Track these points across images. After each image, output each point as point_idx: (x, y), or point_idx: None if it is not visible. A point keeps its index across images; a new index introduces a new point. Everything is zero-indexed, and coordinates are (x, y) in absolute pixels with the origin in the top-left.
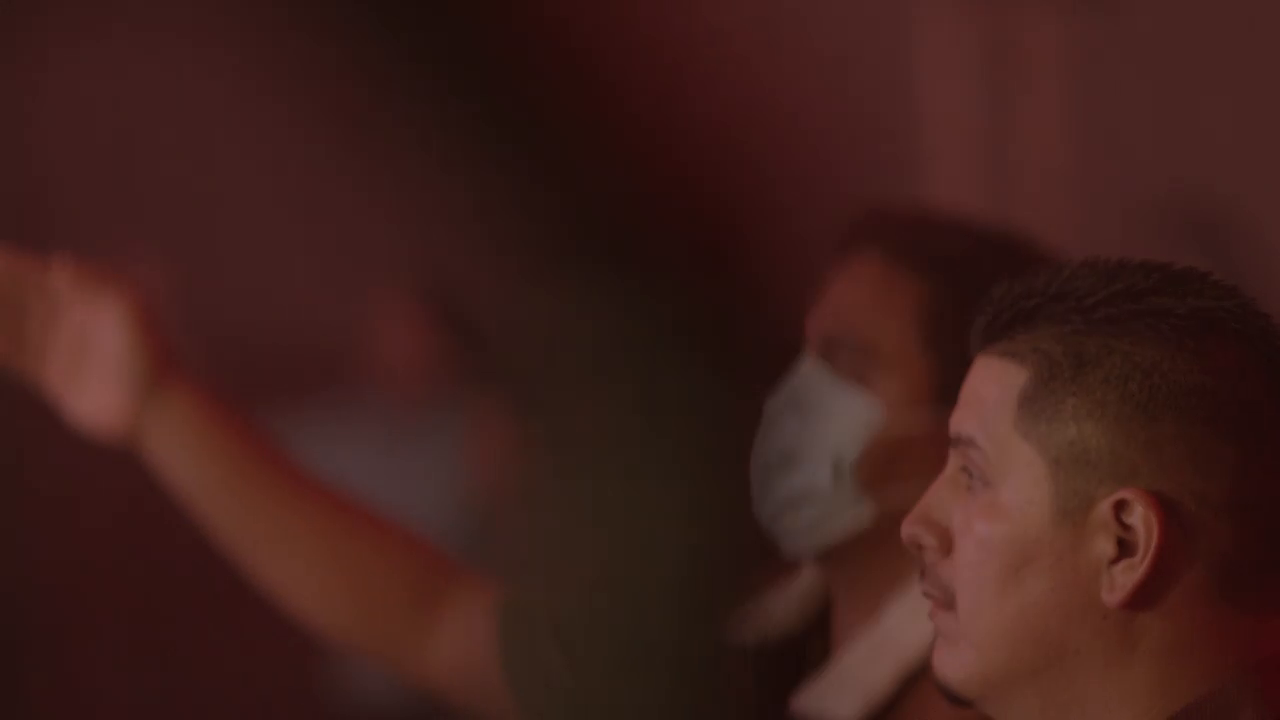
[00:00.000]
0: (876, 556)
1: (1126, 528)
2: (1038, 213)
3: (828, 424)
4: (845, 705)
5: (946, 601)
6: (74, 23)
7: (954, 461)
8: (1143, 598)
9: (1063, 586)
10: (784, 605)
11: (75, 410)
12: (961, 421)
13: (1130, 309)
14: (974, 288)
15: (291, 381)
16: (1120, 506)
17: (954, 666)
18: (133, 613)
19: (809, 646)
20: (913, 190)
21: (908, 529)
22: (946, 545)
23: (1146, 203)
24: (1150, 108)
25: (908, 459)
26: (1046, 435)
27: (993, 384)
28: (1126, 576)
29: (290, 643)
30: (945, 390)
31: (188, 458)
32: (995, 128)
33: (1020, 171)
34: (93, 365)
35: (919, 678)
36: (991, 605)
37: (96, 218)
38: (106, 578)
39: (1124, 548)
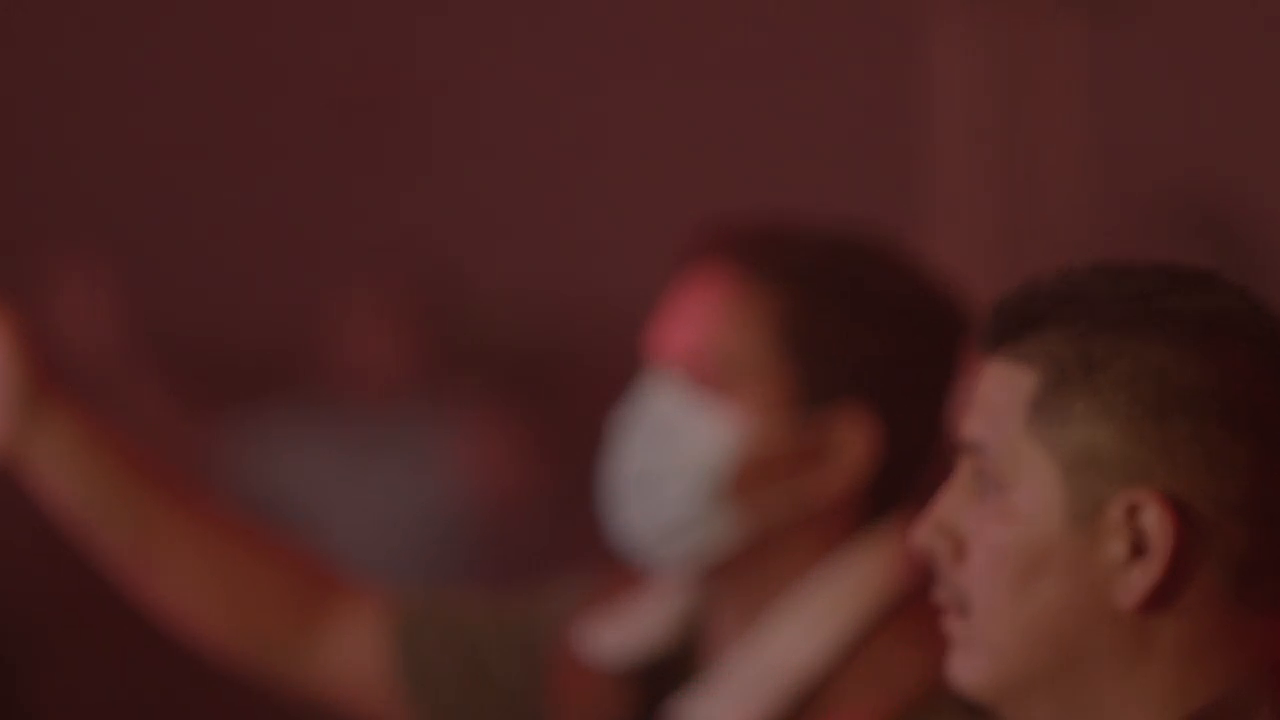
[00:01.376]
0: (752, 568)
1: (1140, 530)
2: (1055, 217)
3: (688, 441)
4: (726, 718)
5: (960, 607)
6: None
7: (964, 467)
8: (1157, 600)
9: (1077, 590)
10: (655, 618)
11: None
12: (971, 426)
13: (1139, 310)
14: (830, 295)
15: (265, 383)
16: (1133, 509)
17: (969, 672)
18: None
19: (684, 661)
20: (927, 196)
21: (919, 536)
22: (959, 551)
23: (1163, 207)
24: (1168, 114)
25: (775, 468)
26: (1057, 438)
27: (1002, 388)
28: (1140, 579)
29: None
30: (806, 399)
31: (68, 473)
32: (1011, 133)
33: (1037, 177)
34: None
35: (804, 691)
36: (1005, 610)
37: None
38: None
39: (1137, 550)
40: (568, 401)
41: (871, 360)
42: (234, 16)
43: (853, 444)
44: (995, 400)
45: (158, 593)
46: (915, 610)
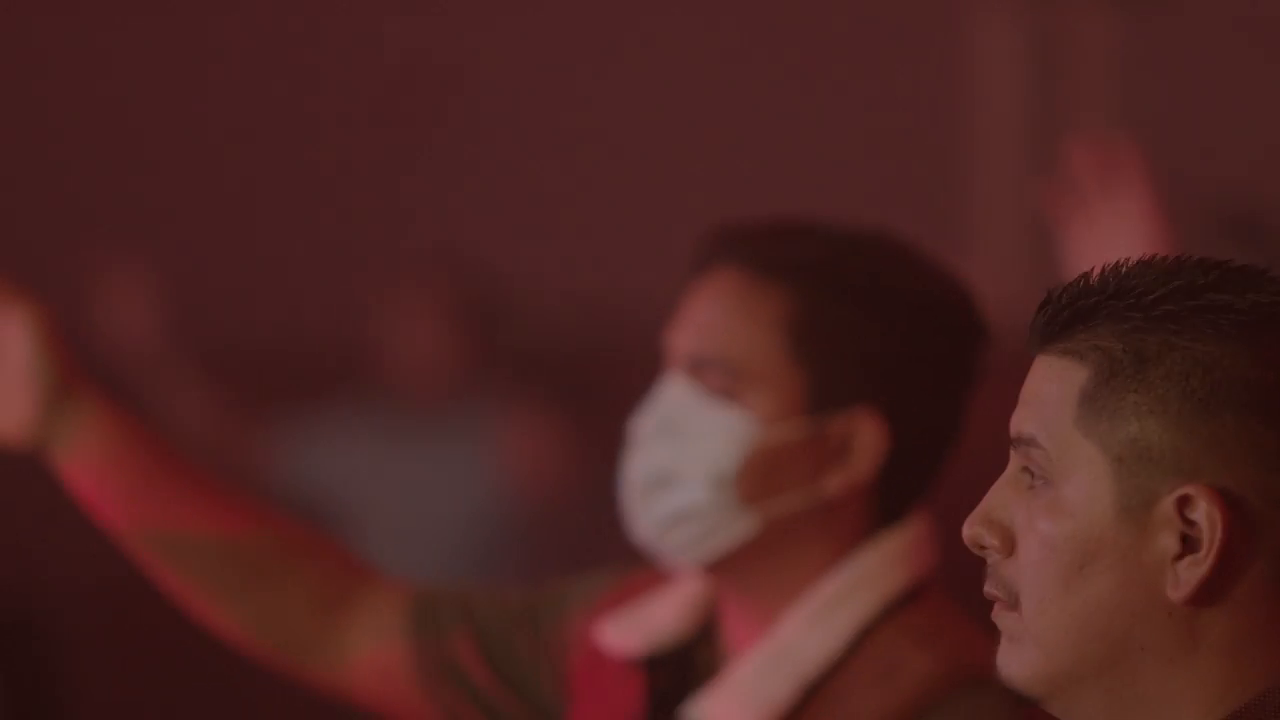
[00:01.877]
0: (765, 567)
1: (1190, 524)
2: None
3: (702, 443)
4: (741, 717)
5: (1010, 601)
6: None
7: (1015, 461)
8: (1207, 594)
9: (1127, 584)
10: (670, 614)
11: None
12: (1022, 421)
13: (1190, 305)
14: (839, 292)
15: (308, 383)
16: (1183, 503)
17: (1019, 666)
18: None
19: (697, 657)
20: (963, 189)
21: (969, 530)
22: (1009, 545)
23: (1192, 201)
24: (1197, 105)
25: (787, 469)
26: (1108, 433)
27: (1053, 383)
28: (1191, 573)
29: None
30: (817, 399)
31: (94, 465)
32: (1042, 124)
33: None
34: (0, 376)
35: (819, 689)
36: (1055, 604)
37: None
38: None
39: (1188, 544)
40: (606, 401)
41: (883, 360)
42: (281, 20)
43: (865, 444)
44: (1045, 395)
45: (184, 586)
46: (923, 607)
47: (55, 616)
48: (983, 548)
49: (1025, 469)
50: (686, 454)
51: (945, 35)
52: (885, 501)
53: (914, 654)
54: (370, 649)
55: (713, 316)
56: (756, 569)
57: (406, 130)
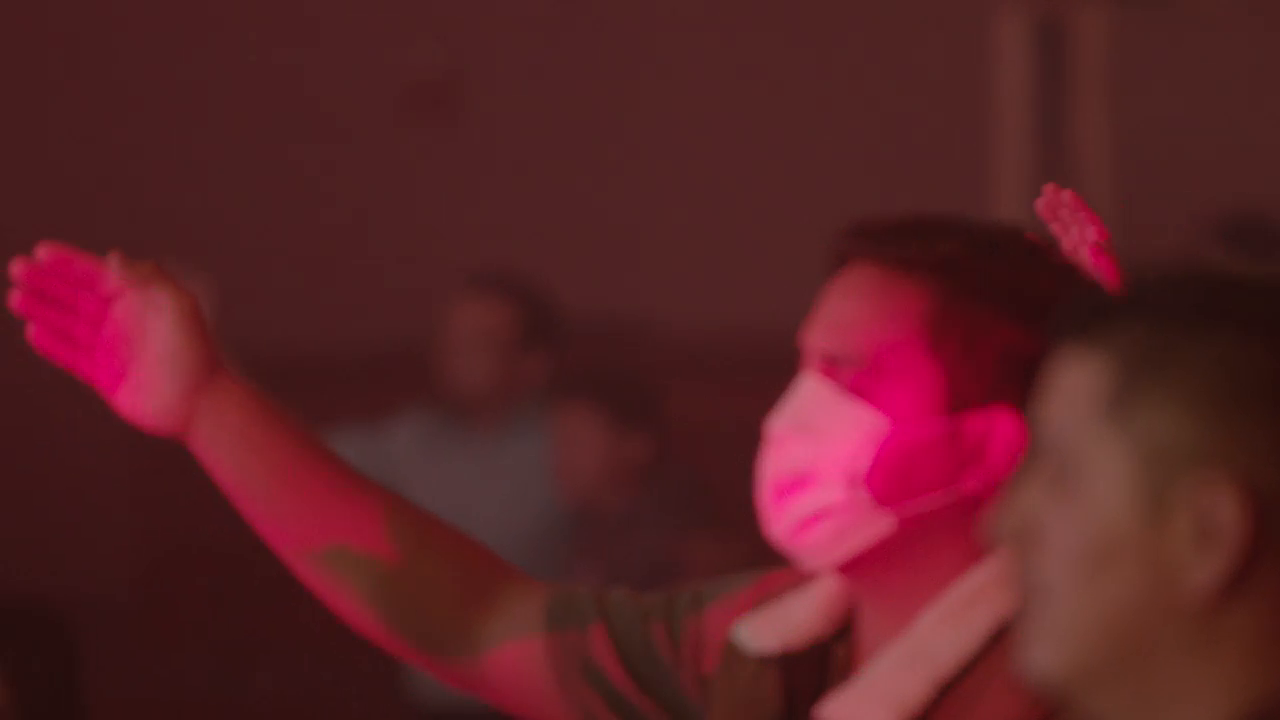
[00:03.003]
0: (900, 567)
1: (1212, 518)
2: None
3: (837, 442)
4: (875, 715)
5: (1032, 595)
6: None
7: (1039, 455)
8: (1229, 588)
9: (1150, 578)
10: (806, 612)
11: (125, 406)
12: (1046, 414)
13: (1214, 301)
14: (975, 289)
15: (372, 389)
16: (1205, 497)
17: (1042, 660)
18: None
19: (832, 654)
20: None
21: (993, 523)
22: (1033, 539)
23: (1194, 197)
24: (1199, 105)
25: (923, 467)
26: (1132, 427)
27: (1077, 377)
28: (1213, 567)
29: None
30: (953, 395)
31: (235, 453)
32: (1051, 112)
33: (1074, 166)
34: (142, 362)
35: (953, 688)
36: (1078, 597)
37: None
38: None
39: (1210, 538)
40: (663, 414)
41: (1018, 359)
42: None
43: (1001, 442)
44: (1070, 390)
45: (323, 579)
46: None
47: (79, 606)
48: (1005, 541)
49: (1050, 463)
50: (822, 453)
51: (960, 28)
52: None
53: None
54: (507, 646)
55: (848, 314)
56: (892, 568)
57: (466, 147)
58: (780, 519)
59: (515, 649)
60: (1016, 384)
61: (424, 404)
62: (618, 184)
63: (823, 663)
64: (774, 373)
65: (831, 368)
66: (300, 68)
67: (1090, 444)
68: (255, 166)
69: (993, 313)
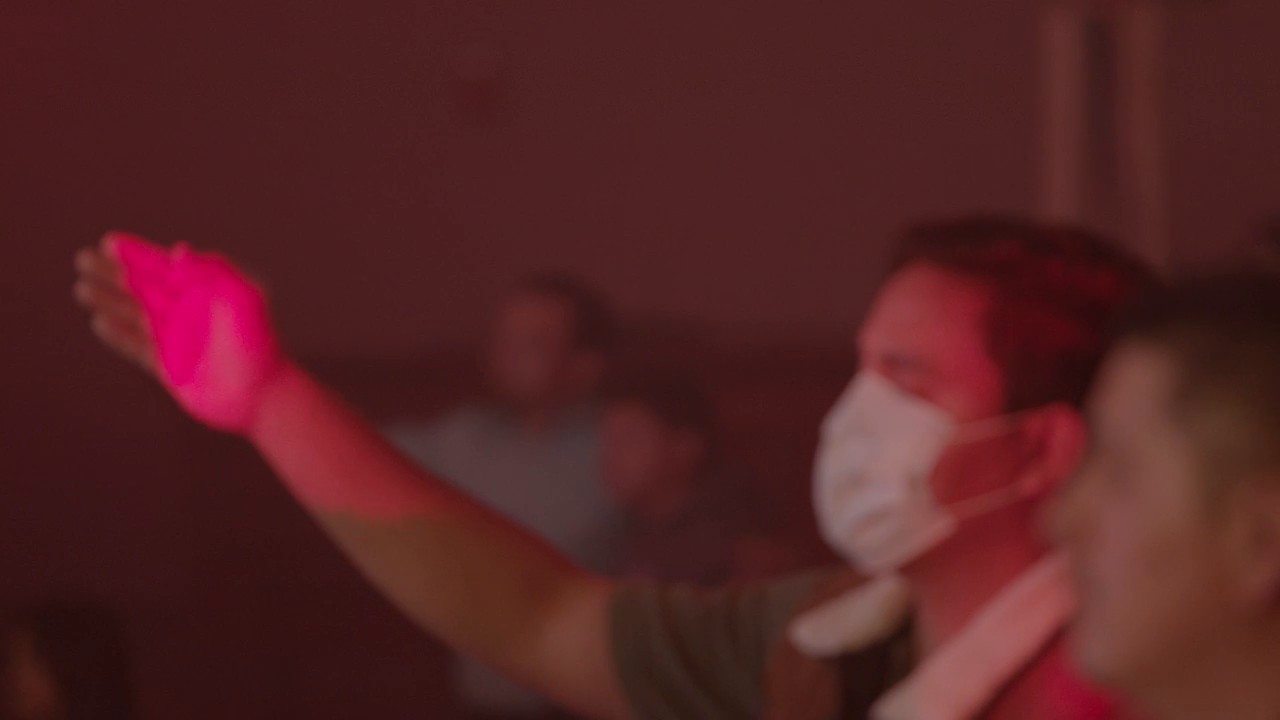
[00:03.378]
0: (960, 567)
1: (1269, 523)
2: (1138, 204)
3: (896, 442)
4: (934, 715)
5: (1088, 592)
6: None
7: (1098, 451)
8: None
9: (1205, 578)
10: (866, 612)
11: (190, 399)
12: (1105, 411)
13: (1278, 301)
14: (1034, 289)
15: (429, 389)
16: (1264, 501)
17: (1098, 657)
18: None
19: (892, 654)
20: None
21: (1049, 520)
22: (1089, 536)
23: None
24: (1251, 105)
25: (982, 468)
26: (1192, 426)
27: (1138, 374)
28: (1267, 572)
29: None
30: (1013, 395)
31: (298, 447)
32: (1100, 123)
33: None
34: (208, 355)
35: (1011, 688)
36: (1134, 595)
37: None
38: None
39: (1266, 543)
40: (714, 415)
41: (1077, 359)
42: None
43: (1060, 442)
44: (1132, 387)
45: (385, 572)
46: None
47: (130, 604)
48: (1062, 538)
49: (1109, 460)
50: (881, 454)
51: (1009, 27)
52: None
53: None
54: (569, 642)
55: (907, 315)
56: (951, 569)
57: (519, 147)
58: (840, 520)
59: (577, 645)
60: (1075, 383)
61: (476, 404)
62: (671, 184)
63: (882, 663)
64: (830, 374)
65: (890, 368)
66: (354, 69)
67: (1150, 443)
68: (308, 166)
69: (1051, 312)
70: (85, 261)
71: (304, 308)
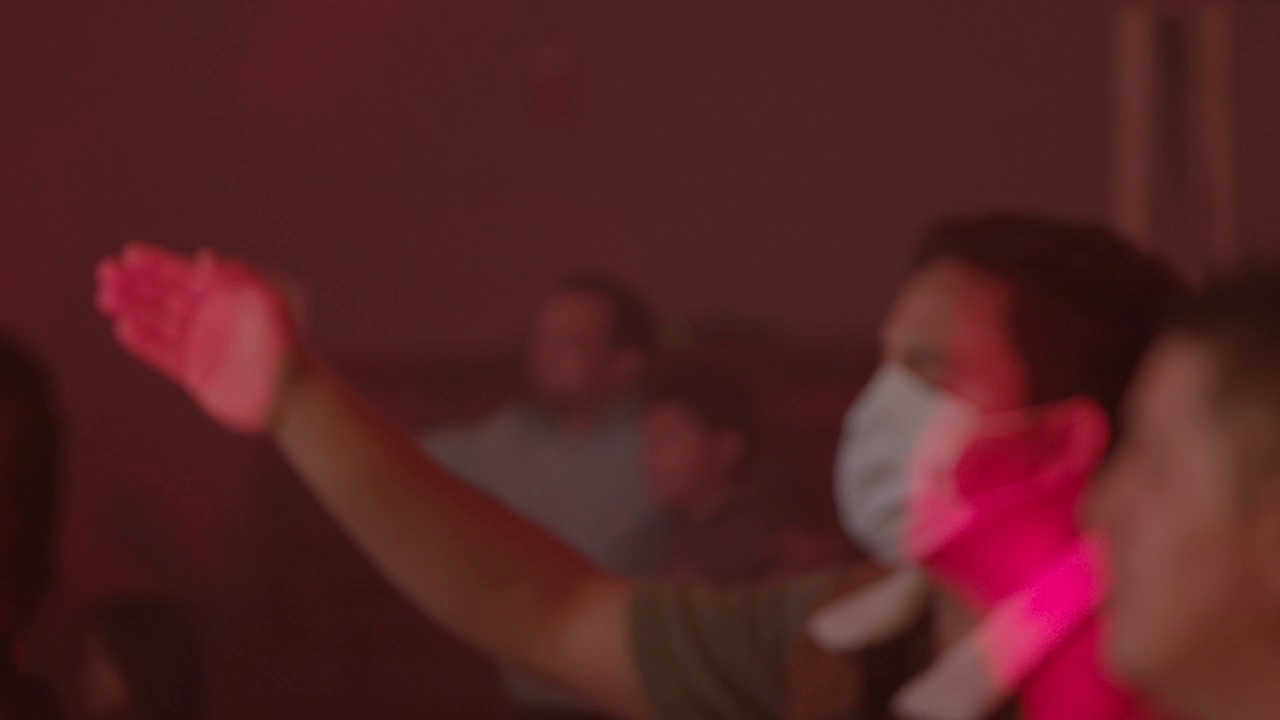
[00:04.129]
0: (981, 559)
1: None
2: (1209, 201)
3: (920, 435)
4: (956, 707)
5: (1123, 586)
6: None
7: (1134, 446)
8: None
9: (1236, 578)
10: (887, 605)
11: (214, 404)
12: (1146, 406)
13: None
14: (1057, 286)
15: (469, 387)
16: None
17: (1129, 651)
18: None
19: (914, 648)
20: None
21: (1086, 515)
22: (1125, 530)
23: None
24: None
25: (1004, 461)
26: (1229, 424)
27: (1180, 370)
28: None
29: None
30: (1034, 393)
31: (322, 450)
32: (1172, 122)
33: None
34: (231, 360)
35: (1035, 681)
36: (1166, 590)
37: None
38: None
39: None
40: (752, 412)
41: (1099, 354)
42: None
43: (1082, 436)
44: (1172, 383)
45: (408, 572)
46: None
47: (201, 604)
48: (1099, 533)
49: (1148, 456)
50: (904, 446)
51: (1081, 26)
52: None
53: None
54: (591, 644)
55: (931, 310)
56: (972, 561)
57: (583, 146)
58: (863, 512)
59: (598, 646)
60: (1097, 379)
61: (519, 404)
62: (741, 183)
63: (903, 655)
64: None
65: (914, 362)
66: (429, 68)
67: (1187, 439)
68: (384, 166)
69: (1074, 309)
70: (107, 272)
71: (377, 304)
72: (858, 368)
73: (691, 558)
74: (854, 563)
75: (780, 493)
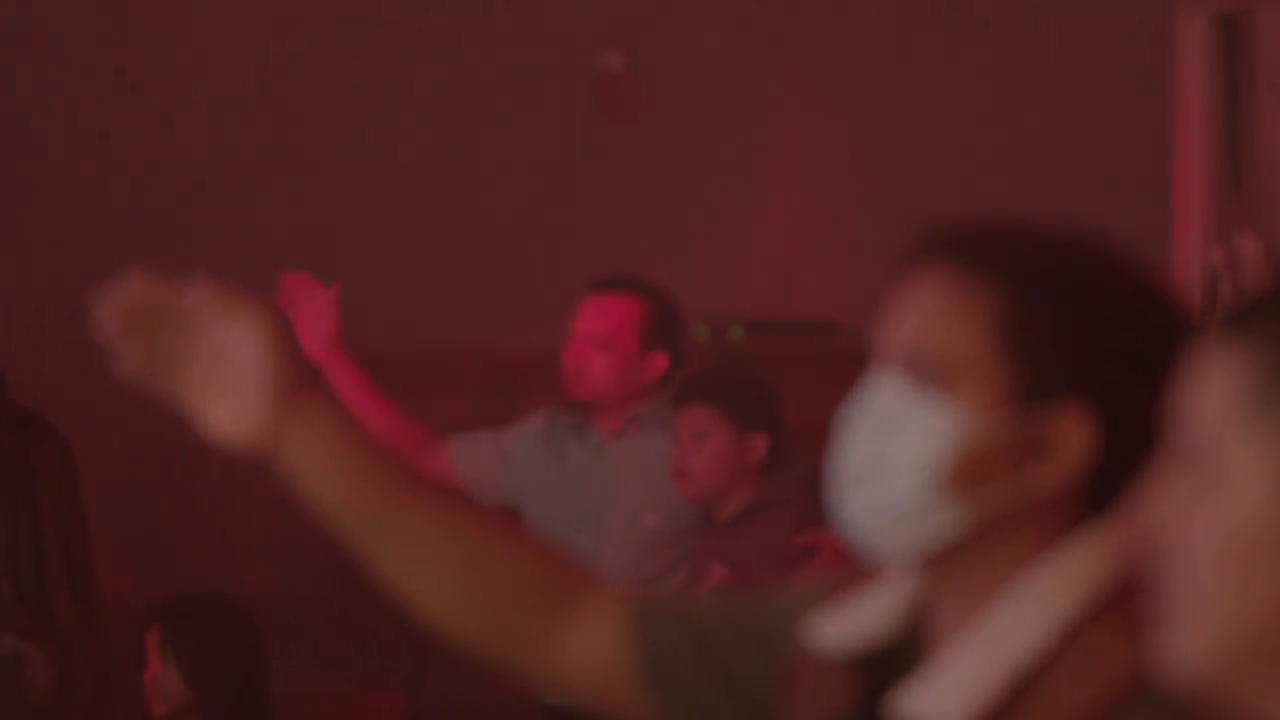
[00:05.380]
0: (972, 561)
1: None
2: (1269, 200)
3: (911, 436)
4: (949, 707)
5: (1174, 591)
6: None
7: (1182, 451)
8: None
9: None
10: (882, 608)
11: (211, 425)
12: (1191, 411)
13: None
14: (1049, 292)
15: (531, 389)
16: None
17: (1189, 655)
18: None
19: (908, 649)
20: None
21: (1140, 523)
22: (1175, 536)
23: None
24: None
25: (995, 463)
26: (1276, 426)
27: (1225, 374)
28: None
29: None
30: (1025, 395)
31: (320, 470)
32: (1232, 121)
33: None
34: (229, 381)
35: (1025, 683)
36: (1224, 594)
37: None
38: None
39: None
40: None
41: (1091, 357)
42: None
43: (1072, 440)
44: (1217, 387)
45: (406, 588)
46: (1129, 604)
47: (263, 604)
48: (1152, 540)
49: (1196, 462)
50: (895, 448)
51: (1141, 25)
52: (1092, 496)
53: (1121, 650)
54: (591, 653)
55: (924, 312)
56: (964, 563)
57: (641, 146)
58: (854, 512)
59: (599, 655)
60: (1089, 383)
61: (551, 406)
62: (795, 186)
63: (899, 658)
64: None
65: (906, 364)
66: (493, 67)
67: (1234, 443)
68: (428, 169)
69: (1064, 314)
70: (104, 293)
71: (438, 306)
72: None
73: (720, 557)
74: (853, 566)
75: (807, 490)
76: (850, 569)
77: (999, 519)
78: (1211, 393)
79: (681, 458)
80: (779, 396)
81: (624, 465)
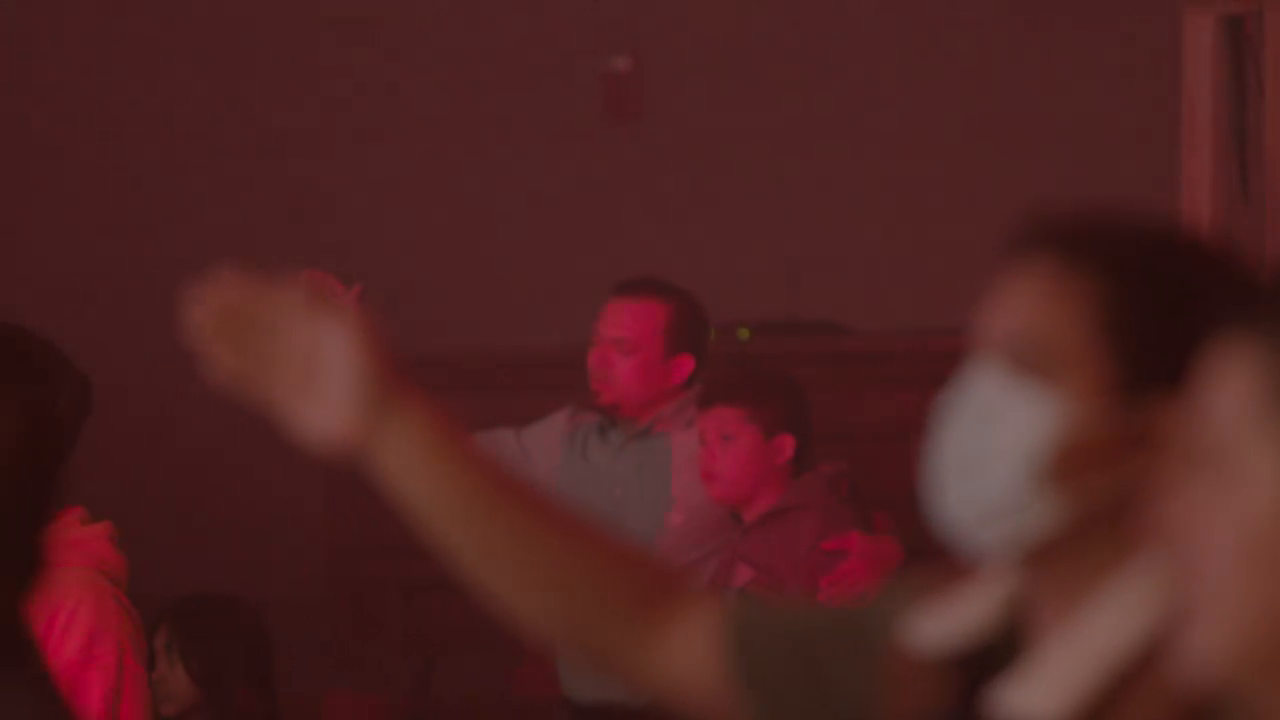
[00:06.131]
0: (1073, 554)
1: None
2: (1275, 200)
3: (1012, 427)
4: (1049, 704)
5: (1198, 590)
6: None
7: (1204, 447)
8: None
9: None
10: (980, 605)
11: (303, 427)
12: (1212, 408)
13: None
14: (1150, 284)
15: (539, 390)
16: None
17: (1208, 651)
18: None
19: (1008, 646)
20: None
21: (1159, 516)
22: (1196, 531)
23: None
24: None
25: (1093, 456)
26: None
27: (1244, 372)
28: None
29: None
30: (1126, 386)
31: (413, 473)
32: (1238, 120)
33: (1263, 163)
34: (321, 383)
35: (1124, 675)
36: (1246, 591)
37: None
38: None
39: None
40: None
41: (1189, 349)
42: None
43: (1172, 431)
44: (1236, 385)
45: (500, 593)
46: None
47: (272, 604)
48: (1173, 534)
49: (1220, 455)
50: (995, 439)
51: (1147, 25)
52: None
53: None
54: (686, 658)
55: (1026, 303)
56: (1064, 556)
57: (649, 147)
58: (953, 505)
59: (693, 659)
60: (1188, 375)
61: (573, 405)
62: (802, 188)
63: (996, 655)
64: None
65: (1008, 354)
66: (500, 70)
67: (1254, 440)
68: (437, 172)
69: (1167, 304)
70: (196, 290)
71: (448, 307)
72: (922, 372)
73: (747, 558)
74: (931, 561)
75: (834, 492)
76: (954, 565)
77: (1099, 512)
78: (1228, 391)
79: (709, 459)
80: (806, 398)
81: (648, 464)
